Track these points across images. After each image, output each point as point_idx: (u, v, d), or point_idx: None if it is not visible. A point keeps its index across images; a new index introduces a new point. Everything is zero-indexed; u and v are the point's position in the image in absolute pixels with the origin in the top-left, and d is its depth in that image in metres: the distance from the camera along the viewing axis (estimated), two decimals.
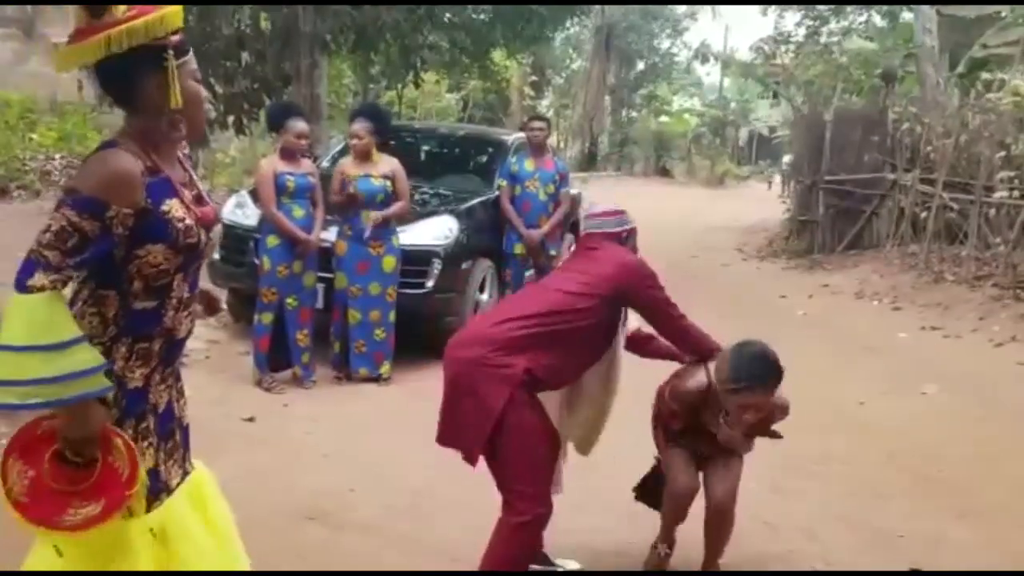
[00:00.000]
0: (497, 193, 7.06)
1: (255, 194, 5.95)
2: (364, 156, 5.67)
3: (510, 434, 2.77)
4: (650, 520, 3.48)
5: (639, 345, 3.36)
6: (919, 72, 13.90)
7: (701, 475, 3.27)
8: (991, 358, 7.11)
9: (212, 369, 5.77)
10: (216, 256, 6.31)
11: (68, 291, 1.87)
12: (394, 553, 3.49)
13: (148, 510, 2.02)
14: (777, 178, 26.35)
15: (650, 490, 3.46)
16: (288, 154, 5.50)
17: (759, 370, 2.98)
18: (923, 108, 12.35)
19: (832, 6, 20.34)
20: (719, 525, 3.23)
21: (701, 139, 38.33)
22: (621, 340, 3.26)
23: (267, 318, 5.50)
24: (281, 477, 4.14)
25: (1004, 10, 14.28)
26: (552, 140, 10.71)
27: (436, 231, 6.31)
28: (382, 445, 4.63)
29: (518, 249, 6.94)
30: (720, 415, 3.14)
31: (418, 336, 6.04)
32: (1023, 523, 4.14)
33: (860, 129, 12.61)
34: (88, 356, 1.86)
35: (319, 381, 5.68)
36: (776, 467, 4.31)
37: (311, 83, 10.49)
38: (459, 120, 26.00)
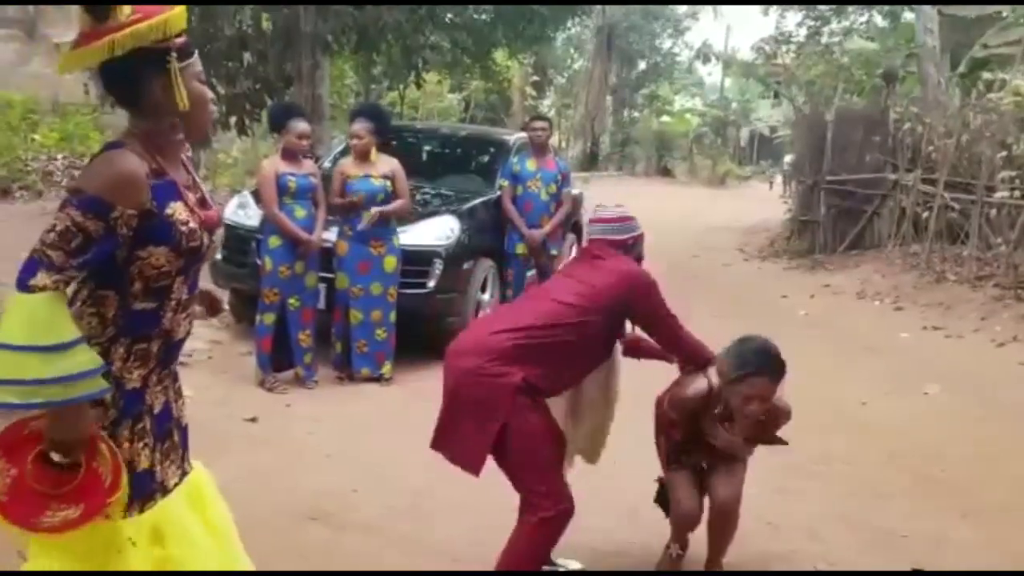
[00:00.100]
0: (499, 193, 7.06)
1: (257, 195, 5.95)
2: (364, 156, 5.67)
3: (517, 439, 2.78)
4: (650, 520, 3.48)
5: (631, 349, 3.36)
6: (920, 72, 13.90)
7: (704, 479, 3.26)
8: (993, 358, 7.11)
9: (214, 369, 5.78)
10: (218, 257, 6.33)
11: (68, 291, 1.87)
12: (396, 553, 3.49)
13: (143, 510, 2.01)
14: (778, 178, 26.33)
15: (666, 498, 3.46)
16: (290, 155, 5.51)
17: (762, 359, 3.00)
18: (924, 108, 12.35)
19: (833, 6, 20.32)
20: (723, 526, 3.23)
21: (702, 139, 38.33)
22: (619, 348, 3.27)
23: (269, 319, 5.51)
24: (283, 477, 4.15)
25: (1005, 10, 14.27)
26: (554, 140, 10.73)
27: (438, 231, 6.32)
28: (384, 445, 4.64)
29: (520, 249, 6.94)
30: (720, 422, 3.13)
31: (420, 336, 6.04)
32: None
33: (861, 129, 12.61)
34: (87, 358, 1.86)
35: (321, 381, 5.69)
36: (778, 467, 4.31)
37: (313, 84, 10.49)
38: (461, 120, 26.00)
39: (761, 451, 3.32)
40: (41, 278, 1.81)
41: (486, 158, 8.19)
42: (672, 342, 3.16)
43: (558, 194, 7.03)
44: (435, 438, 2.97)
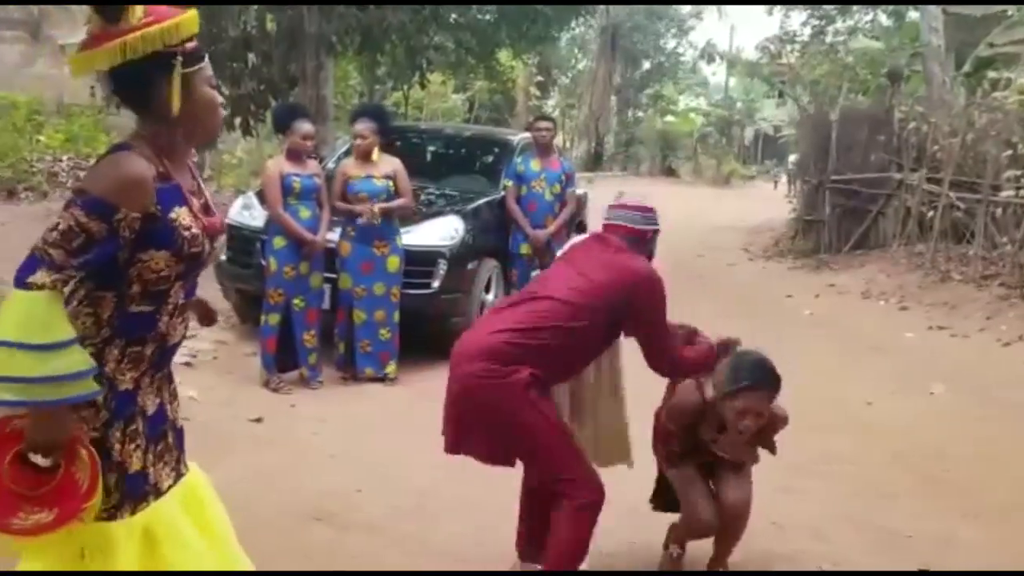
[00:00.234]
0: (503, 193, 7.06)
1: (262, 195, 5.96)
2: (367, 156, 5.68)
3: (540, 433, 2.79)
4: (651, 520, 3.48)
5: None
6: (925, 71, 13.87)
7: (714, 483, 3.25)
8: (998, 357, 7.09)
9: (219, 370, 5.79)
10: (223, 257, 6.33)
11: (65, 290, 1.86)
12: (400, 553, 3.49)
13: (135, 512, 1.99)
14: (783, 178, 26.31)
15: (663, 498, 3.43)
16: (294, 155, 5.51)
17: (757, 373, 2.98)
18: (929, 107, 12.32)
19: (838, 5, 20.29)
20: (732, 529, 3.22)
21: (707, 139, 38.28)
22: (622, 342, 3.23)
23: (274, 319, 5.51)
24: (288, 477, 4.15)
25: (1011, 9, 14.23)
26: (558, 140, 10.73)
27: (442, 231, 6.32)
28: (388, 445, 4.64)
29: (524, 249, 6.93)
30: (719, 430, 3.12)
31: (424, 337, 6.05)
32: None
33: (866, 128, 12.59)
34: (80, 359, 1.84)
35: (326, 382, 5.69)
36: (783, 467, 4.28)
37: (317, 84, 10.50)
38: (465, 121, 26.02)
39: (765, 451, 3.31)
40: (40, 276, 1.80)
41: (490, 158, 8.20)
42: (657, 351, 2.98)
43: (562, 194, 7.02)
44: (453, 442, 2.94)
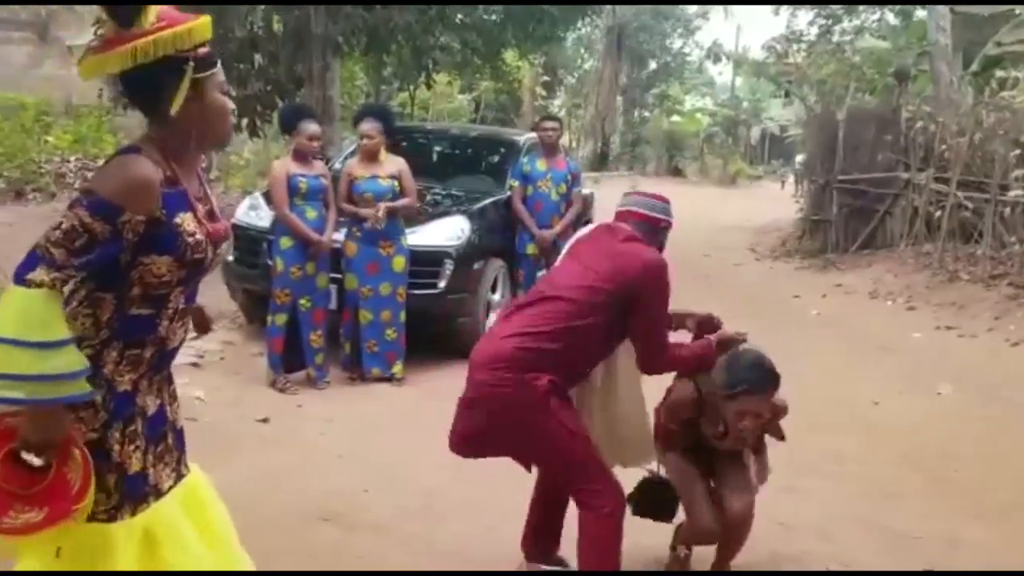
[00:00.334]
0: (509, 193, 7.06)
1: (268, 196, 5.97)
2: (373, 156, 5.69)
3: (559, 444, 2.78)
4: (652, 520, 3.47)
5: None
6: (932, 70, 13.82)
7: (716, 488, 3.24)
8: (1007, 357, 7.07)
9: (226, 370, 5.80)
10: (230, 258, 6.34)
11: (65, 290, 1.86)
12: (406, 553, 3.49)
13: (135, 513, 1.99)
14: (790, 177, 26.26)
15: (648, 504, 3.36)
16: (301, 156, 5.52)
17: (755, 375, 2.95)
18: (937, 107, 12.28)
19: (845, 5, 20.25)
20: (736, 535, 3.20)
21: (713, 138, 38.25)
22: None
23: (281, 319, 5.53)
24: (294, 478, 4.16)
25: (1018, 8, 14.17)
26: (564, 140, 10.71)
27: (448, 231, 6.32)
28: (395, 445, 4.64)
29: (530, 249, 6.94)
30: (720, 424, 3.11)
31: (431, 337, 6.05)
32: None
33: (873, 128, 12.54)
34: (75, 359, 1.84)
35: (333, 382, 5.70)
36: (790, 467, 4.28)
37: (323, 85, 10.52)
38: (471, 121, 26.02)
39: (772, 451, 3.30)
40: (39, 273, 1.80)
41: (496, 158, 8.19)
42: (656, 347, 2.93)
43: (568, 194, 7.03)
44: (473, 447, 2.93)
